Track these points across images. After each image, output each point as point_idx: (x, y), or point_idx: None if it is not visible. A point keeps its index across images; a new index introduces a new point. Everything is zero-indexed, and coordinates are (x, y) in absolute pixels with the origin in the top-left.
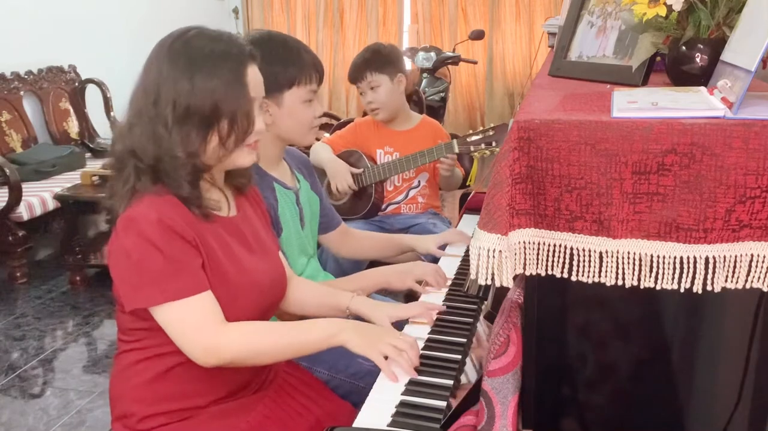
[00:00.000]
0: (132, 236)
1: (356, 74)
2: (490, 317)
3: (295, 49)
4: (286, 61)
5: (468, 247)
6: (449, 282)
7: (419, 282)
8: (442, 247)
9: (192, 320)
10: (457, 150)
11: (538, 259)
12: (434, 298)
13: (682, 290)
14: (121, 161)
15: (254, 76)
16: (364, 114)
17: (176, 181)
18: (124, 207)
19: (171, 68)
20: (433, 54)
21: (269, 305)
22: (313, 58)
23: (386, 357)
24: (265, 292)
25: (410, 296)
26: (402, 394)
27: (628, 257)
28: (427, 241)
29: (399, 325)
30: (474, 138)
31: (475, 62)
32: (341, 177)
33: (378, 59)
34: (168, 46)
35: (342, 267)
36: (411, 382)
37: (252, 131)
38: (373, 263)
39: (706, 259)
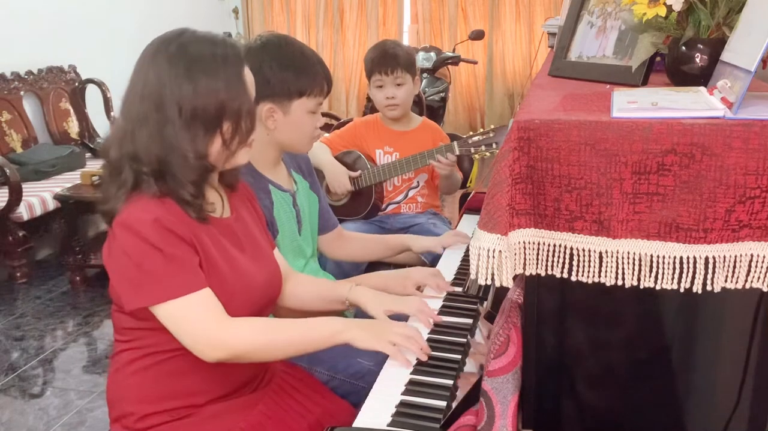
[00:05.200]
0: (130, 238)
1: (387, 66)
2: (490, 318)
3: (310, 60)
4: (299, 70)
5: (468, 247)
6: (450, 283)
7: (419, 288)
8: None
9: (196, 316)
10: (457, 152)
11: (538, 259)
12: (433, 299)
13: (681, 290)
14: (118, 166)
15: (249, 77)
16: (364, 114)
17: (181, 182)
18: (119, 209)
19: (171, 73)
20: (433, 54)
21: (264, 305)
22: (326, 70)
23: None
24: (260, 292)
25: None
26: (402, 394)
27: (628, 257)
28: (424, 240)
29: (402, 319)
30: (474, 140)
31: (475, 62)
32: (338, 181)
33: (407, 58)
34: (163, 51)
35: (342, 267)
36: (411, 382)
37: (254, 129)
38: (373, 263)
39: (706, 259)
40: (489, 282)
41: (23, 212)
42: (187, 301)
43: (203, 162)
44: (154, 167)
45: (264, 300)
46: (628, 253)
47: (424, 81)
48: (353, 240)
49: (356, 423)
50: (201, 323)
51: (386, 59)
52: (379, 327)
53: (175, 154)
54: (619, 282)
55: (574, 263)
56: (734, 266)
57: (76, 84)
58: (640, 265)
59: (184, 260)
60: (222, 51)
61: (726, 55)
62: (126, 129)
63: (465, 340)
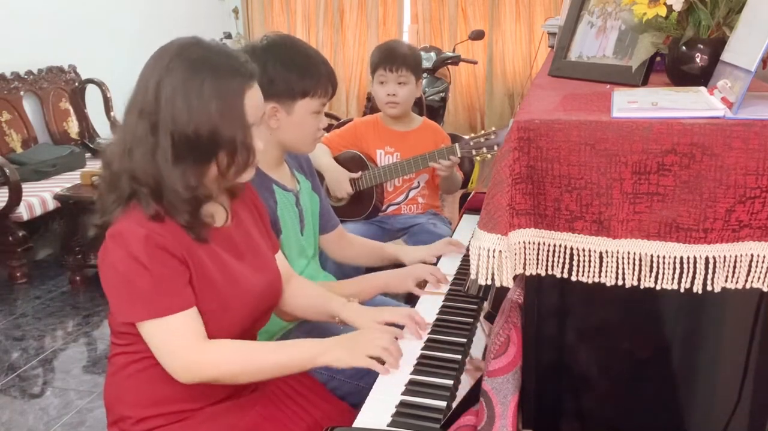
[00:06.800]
0: (119, 252)
1: (393, 63)
2: (490, 318)
3: (315, 61)
4: (304, 71)
5: (468, 247)
6: (450, 280)
7: (419, 285)
8: (437, 259)
9: (174, 338)
10: (459, 154)
11: (538, 259)
12: (434, 298)
13: (682, 290)
14: (118, 178)
15: (253, 99)
16: (364, 114)
17: (176, 208)
18: (114, 218)
19: (168, 92)
20: (433, 54)
21: (261, 313)
22: (330, 72)
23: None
24: (257, 300)
25: (410, 298)
26: (402, 394)
27: (628, 257)
28: (416, 252)
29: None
30: (475, 141)
31: (475, 62)
32: (339, 185)
33: (414, 60)
34: (166, 64)
35: (341, 267)
36: (411, 382)
37: (253, 160)
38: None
39: (706, 259)
40: (489, 282)
41: (23, 212)
42: (167, 322)
43: (194, 194)
44: (152, 188)
45: (262, 307)
46: (628, 253)
47: (424, 81)
48: (353, 245)
49: (356, 423)
50: (178, 345)
51: (394, 56)
52: (356, 342)
53: (167, 185)
54: (619, 282)
55: (574, 263)
56: (734, 266)
57: (76, 84)
58: (640, 265)
59: (171, 280)
60: (224, 71)
61: (726, 55)
62: (126, 143)
63: (465, 340)
